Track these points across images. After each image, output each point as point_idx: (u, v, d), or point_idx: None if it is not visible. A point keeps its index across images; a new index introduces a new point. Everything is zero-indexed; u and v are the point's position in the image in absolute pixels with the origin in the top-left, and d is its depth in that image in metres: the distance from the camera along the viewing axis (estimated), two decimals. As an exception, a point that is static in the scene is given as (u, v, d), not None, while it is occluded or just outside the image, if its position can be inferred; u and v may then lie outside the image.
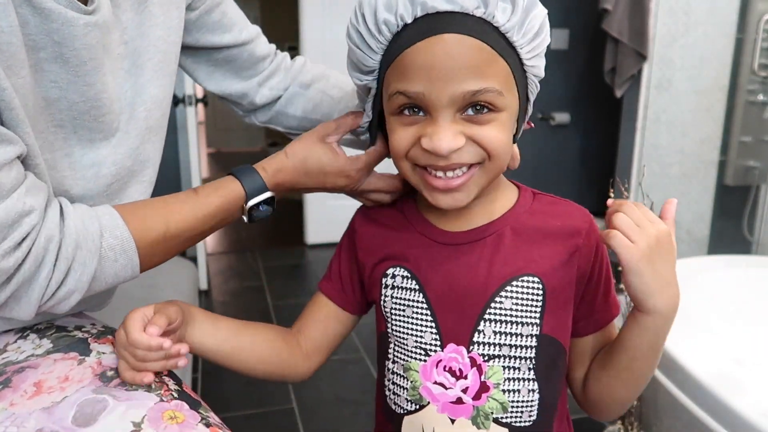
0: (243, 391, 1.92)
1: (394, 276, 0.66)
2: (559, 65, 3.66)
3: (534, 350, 0.61)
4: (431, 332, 0.63)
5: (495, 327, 0.61)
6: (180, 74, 3.56)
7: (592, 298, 0.64)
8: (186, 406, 0.60)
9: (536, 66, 0.58)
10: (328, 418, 1.76)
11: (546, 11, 0.57)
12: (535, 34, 0.55)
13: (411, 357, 0.64)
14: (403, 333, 0.65)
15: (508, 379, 0.61)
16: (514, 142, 0.63)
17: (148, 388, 0.61)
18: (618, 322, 0.67)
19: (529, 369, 0.61)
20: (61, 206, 0.58)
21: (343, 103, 0.83)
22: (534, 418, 0.62)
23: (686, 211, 2.93)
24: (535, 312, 0.61)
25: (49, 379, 0.60)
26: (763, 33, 2.78)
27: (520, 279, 0.61)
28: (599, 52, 2.87)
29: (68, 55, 0.57)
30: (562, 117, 3.69)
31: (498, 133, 0.55)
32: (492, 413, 0.61)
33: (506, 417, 0.61)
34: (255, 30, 0.85)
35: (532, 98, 0.61)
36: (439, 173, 0.57)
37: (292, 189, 0.72)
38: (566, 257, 0.62)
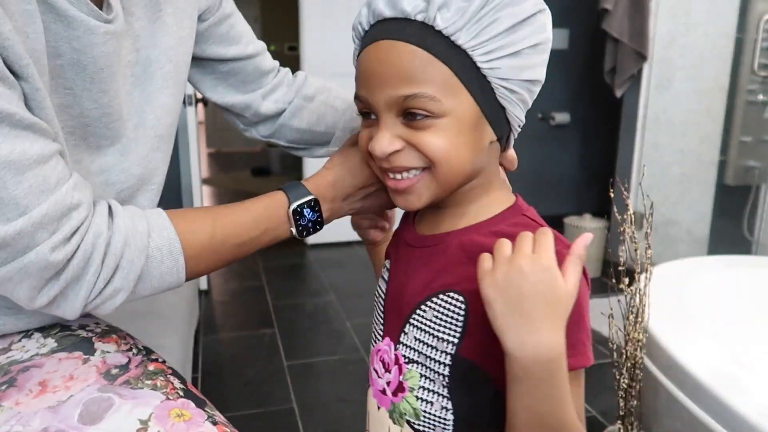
0: (243, 391, 1.92)
1: (384, 267, 0.71)
2: (559, 65, 3.66)
3: (448, 369, 0.58)
4: (380, 323, 0.68)
5: (416, 333, 0.61)
6: (180, 74, 3.49)
7: None
8: (192, 404, 0.60)
9: (499, 68, 0.54)
10: (328, 418, 1.76)
11: (527, 9, 0.54)
12: (494, 36, 0.53)
13: (371, 342, 0.70)
14: (372, 319, 0.72)
15: (423, 388, 0.60)
16: (504, 149, 0.63)
17: (154, 386, 0.61)
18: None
19: (443, 386, 0.59)
20: (110, 205, 0.58)
21: (348, 114, 0.85)
22: None
23: (686, 211, 2.93)
24: (454, 331, 0.57)
25: (54, 378, 0.60)
26: (763, 33, 2.78)
27: (446, 294, 0.59)
28: (599, 52, 2.88)
29: (86, 62, 0.58)
30: (562, 117, 3.69)
31: (436, 139, 0.54)
32: (405, 415, 0.62)
33: (419, 425, 0.61)
34: (261, 45, 0.85)
35: (510, 101, 0.56)
36: (391, 174, 0.59)
37: (336, 196, 0.69)
38: None
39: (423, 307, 0.60)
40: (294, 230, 0.67)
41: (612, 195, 1.38)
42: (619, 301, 1.30)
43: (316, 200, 0.67)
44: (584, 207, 3.84)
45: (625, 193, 1.32)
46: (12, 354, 0.64)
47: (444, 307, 0.59)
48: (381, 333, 0.67)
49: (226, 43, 0.81)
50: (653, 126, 2.78)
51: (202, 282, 2.74)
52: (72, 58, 0.57)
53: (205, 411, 0.60)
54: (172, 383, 0.63)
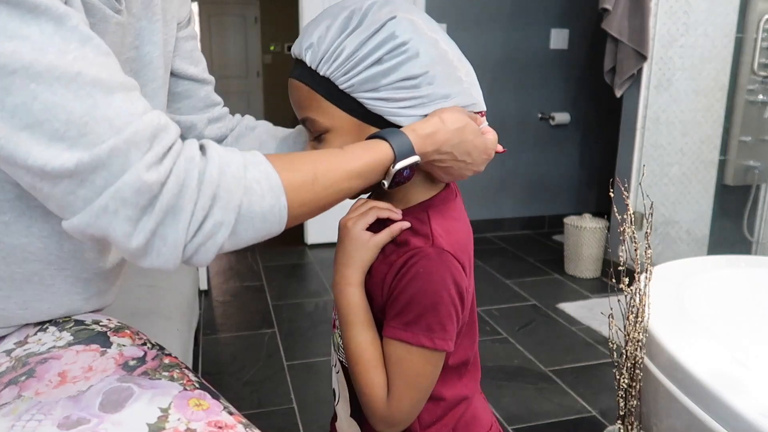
0: (243, 391, 1.92)
1: None
2: (559, 65, 3.66)
3: None
4: None
5: None
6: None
7: (389, 307, 0.68)
8: (208, 396, 0.61)
9: (354, 85, 0.65)
10: (328, 417, 1.76)
11: (370, 26, 0.64)
12: (343, 60, 0.64)
13: None
14: None
15: None
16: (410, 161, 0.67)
17: (171, 378, 0.62)
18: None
19: None
20: (201, 143, 0.56)
21: (291, 139, 0.86)
22: None
23: (686, 211, 2.93)
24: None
25: (73, 369, 0.61)
26: (763, 33, 2.78)
27: None
28: (599, 52, 2.88)
29: None
30: (562, 117, 3.69)
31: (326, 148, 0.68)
32: (337, 345, 0.77)
33: (341, 356, 0.75)
34: (212, 78, 0.88)
35: (382, 107, 0.66)
36: None
37: (432, 158, 0.67)
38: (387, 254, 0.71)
39: None
40: (386, 183, 0.65)
41: (612, 195, 1.38)
42: (619, 301, 1.30)
43: (417, 162, 0.64)
44: (584, 207, 3.84)
45: (625, 193, 1.32)
46: (29, 347, 0.65)
47: None
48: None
49: (189, 60, 0.82)
50: (653, 126, 2.78)
51: (202, 282, 2.74)
52: None
53: (220, 402, 0.62)
54: (188, 376, 0.64)
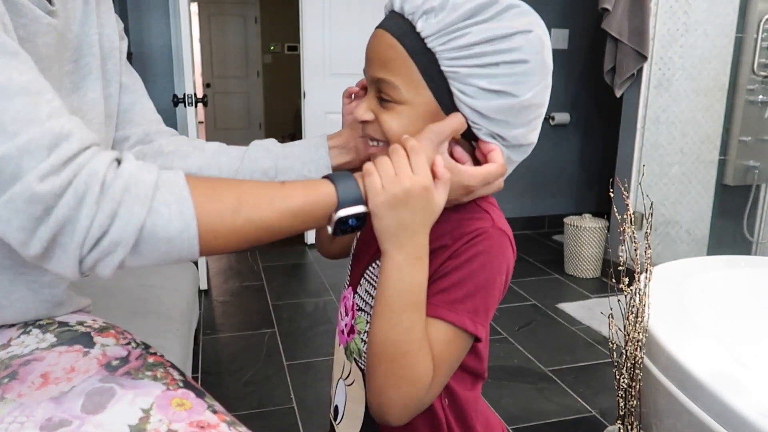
0: (243, 391, 1.92)
1: None
2: (559, 65, 3.66)
3: None
4: (348, 273, 0.77)
5: (366, 286, 0.71)
6: (179, 73, 3.52)
7: (432, 286, 0.63)
8: (192, 394, 0.61)
9: (458, 73, 0.60)
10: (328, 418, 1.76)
11: (505, 28, 0.59)
12: (461, 45, 0.59)
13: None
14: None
15: (367, 332, 0.69)
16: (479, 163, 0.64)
17: (154, 377, 0.61)
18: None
19: None
20: (122, 156, 0.54)
21: (248, 160, 0.78)
22: None
23: (686, 211, 2.93)
24: None
25: (56, 371, 0.61)
26: (763, 33, 2.78)
27: None
28: (599, 52, 2.87)
29: (28, 51, 0.56)
30: (562, 117, 3.69)
31: (390, 120, 0.63)
32: (353, 353, 0.72)
33: (362, 363, 0.71)
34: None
35: (464, 105, 0.61)
36: (369, 141, 0.68)
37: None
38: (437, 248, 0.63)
39: (374, 264, 0.70)
40: (330, 230, 0.60)
41: (612, 195, 1.38)
42: (619, 301, 1.30)
43: (366, 214, 0.60)
44: (584, 207, 3.84)
45: (625, 193, 1.32)
46: (12, 349, 0.65)
47: None
48: (347, 282, 0.76)
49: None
50: (653, 126, 2.78)
51: (202, 282, 2.74)
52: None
53: (204, 401, 0.61)
54: (172, 375, 0.64)
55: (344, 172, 0.61)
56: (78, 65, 0.68)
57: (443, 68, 0.60)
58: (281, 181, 0.62)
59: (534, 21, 0.61)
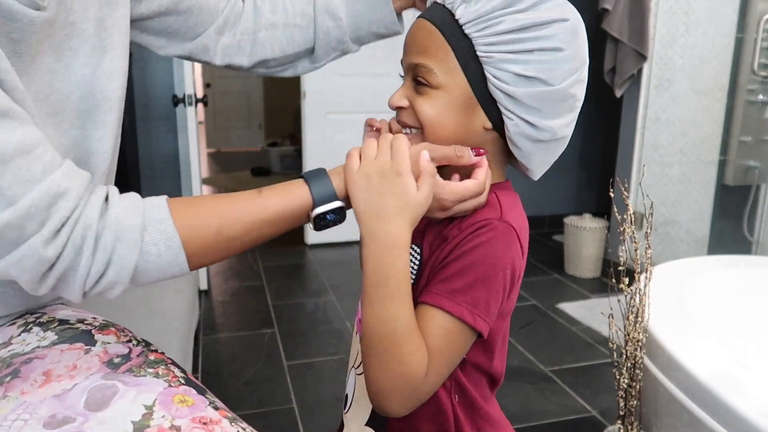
0: (243, 390, 1.92)
1: None
2: (559, 65, 3.66)
3: None
4: None
5: None
6: (179, 73, 3.48)
7: (433, 277, 0.63)
8: (194, 391, 0.61)
9: (492, 58, 0.61)
10: (328, 418, 1.76)
11: (539, 17, 0.60)
12: (497, 33, 0.61)
13: None
14: None
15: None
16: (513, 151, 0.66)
17: (156, 374, 0.62)
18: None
19: None
20: (108, 194, 0.56)
21: (315, 24, 0.85)
22: None
23: (686, 211, 2.93)
24: (411, 276, 0.64)
25: (58, 368, 0.61)
26: (763, 33, 2.78)
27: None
28: (599, 52, 2.87)
29: (21, 51, 0.56)
30: (562, 117, 3.69)
31: (426, 105, 0.64)
32: None
33: None
34: None
35: (498, 92, 0.62)
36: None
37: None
38: (444, 237, 0.65)
39: None
40: (312, 226, 0.63)
41: (612, 195, 1.38)
42: (619, 301, 1.30)
43: (342, 207, 0.62)
44: (584, 207, 3.84)
45: (625, 193, 1.32)
46: (13, 347, 0.65)
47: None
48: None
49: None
50: (653, 126, 2.78)
51: (202, 282, 2.74)
52: (9, 49, 0.55)
53: (206, 398, 0.61)
54: (173, 372, 0.64)
55: (319, 170, 0.64)
56: (75, 28, 0.65)
57: (479, 53, 0.62)
58: (260, 189, 0.63)
59: (569, 11, 0.62)
